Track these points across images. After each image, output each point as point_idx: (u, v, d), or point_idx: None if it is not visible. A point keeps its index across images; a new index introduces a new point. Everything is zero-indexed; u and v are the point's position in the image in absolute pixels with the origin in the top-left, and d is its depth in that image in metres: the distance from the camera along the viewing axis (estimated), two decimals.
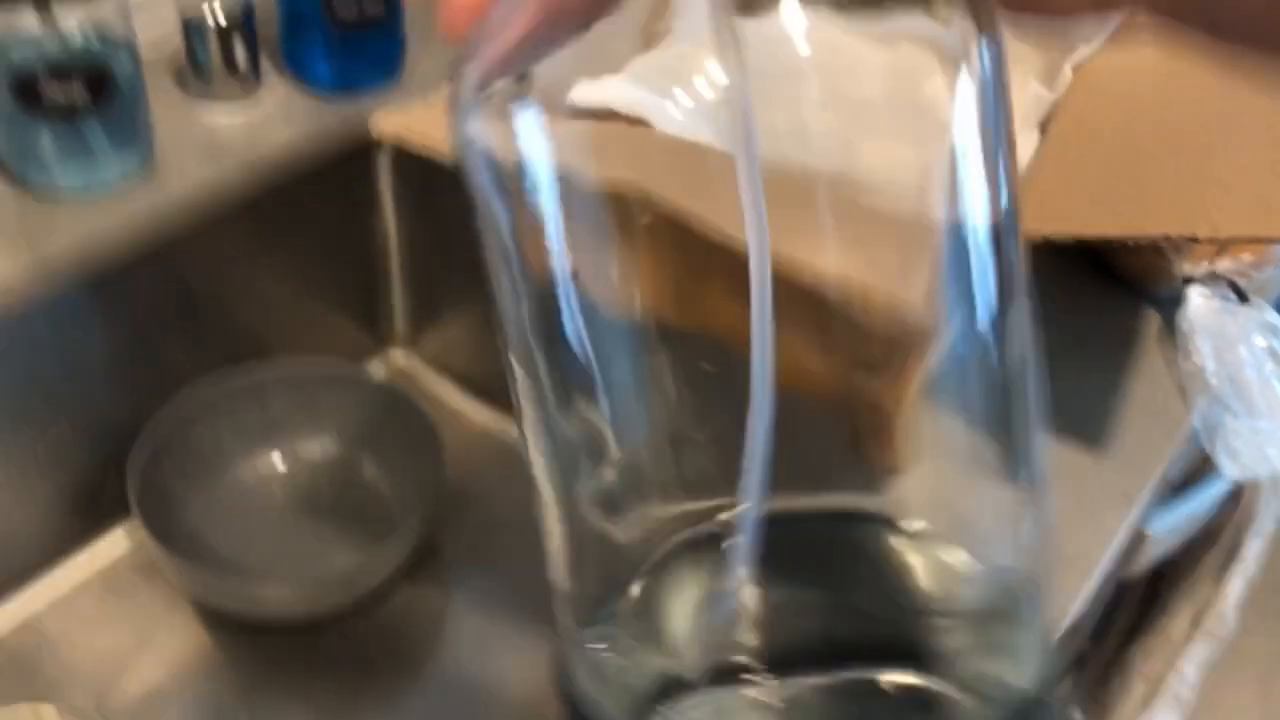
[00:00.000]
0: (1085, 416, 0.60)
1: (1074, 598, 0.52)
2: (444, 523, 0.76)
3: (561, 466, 0.28)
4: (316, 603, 0.67)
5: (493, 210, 0.26)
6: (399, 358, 0.88)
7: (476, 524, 0.77)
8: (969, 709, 0.25)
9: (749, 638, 0.27)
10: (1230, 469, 0.58)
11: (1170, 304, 0.68)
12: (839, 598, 0.27)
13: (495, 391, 0.84)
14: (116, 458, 0.69)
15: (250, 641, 0.68)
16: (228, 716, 0.65)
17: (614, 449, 0.27)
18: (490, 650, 0.70)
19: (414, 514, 0.69)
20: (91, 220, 0.64)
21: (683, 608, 0.28)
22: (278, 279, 0.77)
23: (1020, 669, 0.27)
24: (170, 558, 0.64)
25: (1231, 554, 0.71)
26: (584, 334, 0.26)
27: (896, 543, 0.28)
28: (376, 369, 0.87)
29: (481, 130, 0.24)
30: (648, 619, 0.28)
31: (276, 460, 0.76)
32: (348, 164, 0.76)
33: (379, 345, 0.87)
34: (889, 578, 0.28)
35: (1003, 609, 0.27)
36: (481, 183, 0.26)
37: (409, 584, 0.73)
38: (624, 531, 0.28)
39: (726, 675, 0.26)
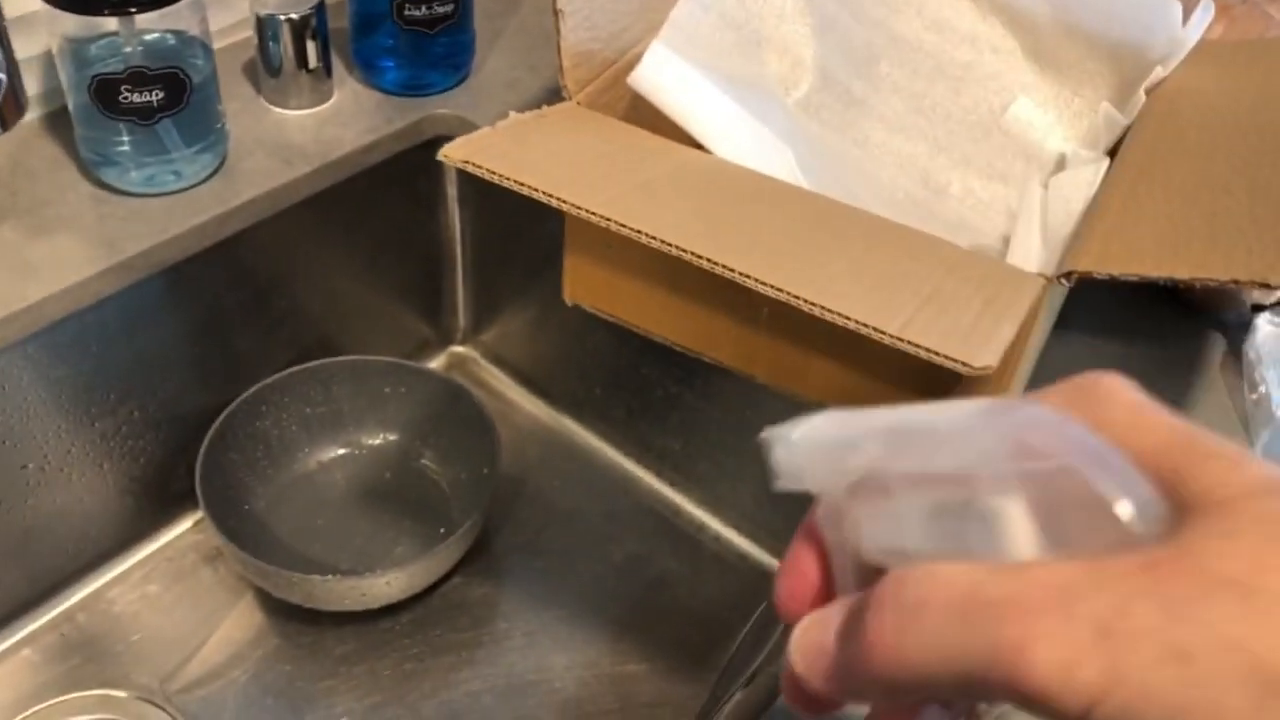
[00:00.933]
0: None
1: None
2: (496, 514, 0.78)
3: None
4: (376, 596, 0.69)
5: None
6: (459, 351, 0.89)
7: (528, 516, 0.79)
8: None
9: None
10: None
11: (1238, 331, 0.66)
12: None
13: (550, 386, 0.86)
14: (186, 448, 0.71)
15: (311, 629, 0.70)
16: (286, 700, 0.67)
17: None
18: (540, 648, 0.71)
19: (470, 511, 0.71)
20: (165, 217, 0.66)
21: None
22: (345, 274, 0.78)
23: None
24: (233, 548, 0.66)
25: None
26: None
27: None
28: (438, 362, 0.88)
29: None
30: None
31: (339, 451, 0.78)
32: (415, 162, 0.77)
33: (441, 339, 0.88)
34: None
35: None
36: None
37: (462, 576, 0.74)
38: None
39: None
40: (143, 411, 0.69)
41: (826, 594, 0.27)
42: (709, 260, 0.44)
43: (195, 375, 0.71)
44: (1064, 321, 0.61)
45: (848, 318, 0.42)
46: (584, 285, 0.62)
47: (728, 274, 0.43)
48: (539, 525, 0.79)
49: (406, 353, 0.83)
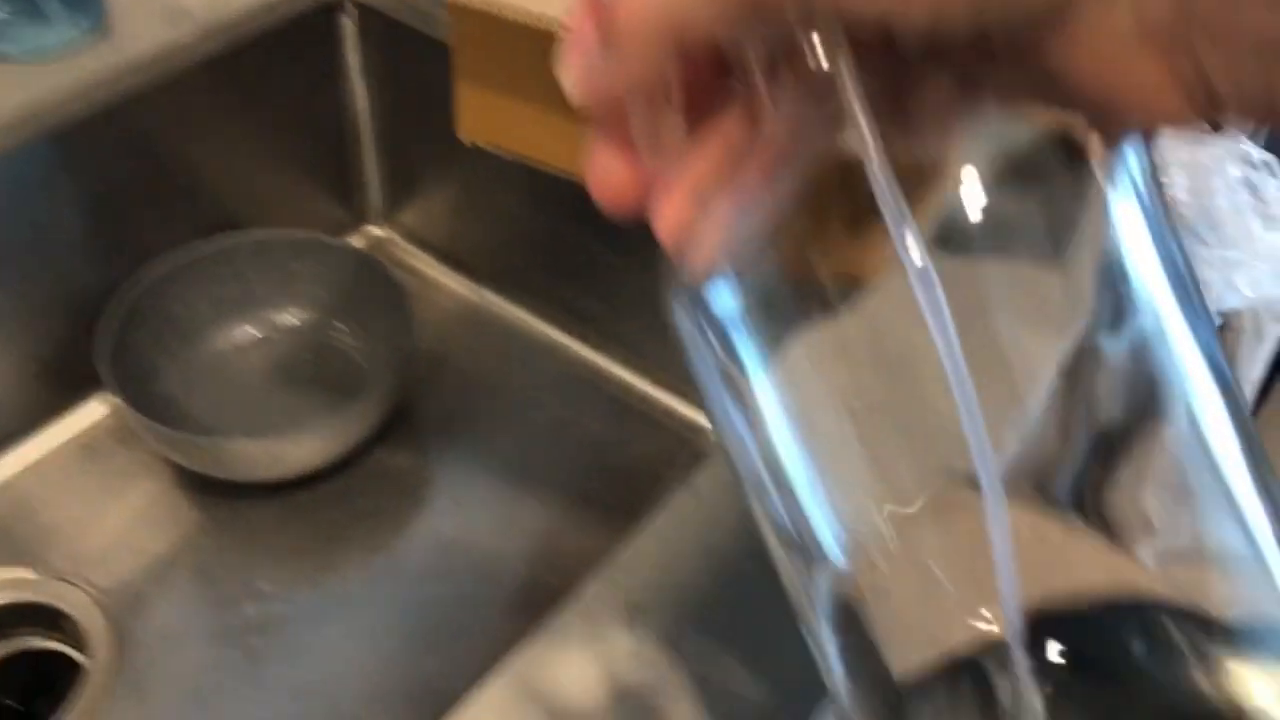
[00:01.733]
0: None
1: None
2: (419, 389, 0.76)
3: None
4: (292, 462, 0.68)
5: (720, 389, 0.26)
6: (375, 232, 0.87)
7: (451, 390, 0.77)
8: None
9: None
10: None
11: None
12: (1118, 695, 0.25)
13: (470, 261, 0.84)
14: (90, 328, 0.69)
15: (228, 503, 0.69)
16: (207, 575, 0.66)
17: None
18: (465, 510, 0.70)
19: (385, 375, 0.69)
20: (46, 81, 0.63)
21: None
22: (246, 149, 0.76)
23: None
24: (141, 418, 0.65)
25: None
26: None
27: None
28: (354, 243, 0.86)
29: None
30: None
31: (251, 328, 0.76)
32: (313, 29, 0.75)
33: (354, 219, 0.86)
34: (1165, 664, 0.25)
35: None
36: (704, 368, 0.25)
37: (384, 448, 0.73)
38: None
39: None
40: (40, 288, 0.67)
41: None
42: None
43: (94, 251, 0.69)
44: None
45: None
46: (479, 119, 0.60)
47: None
48: (462, 397, 0.77)
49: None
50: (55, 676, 0.65)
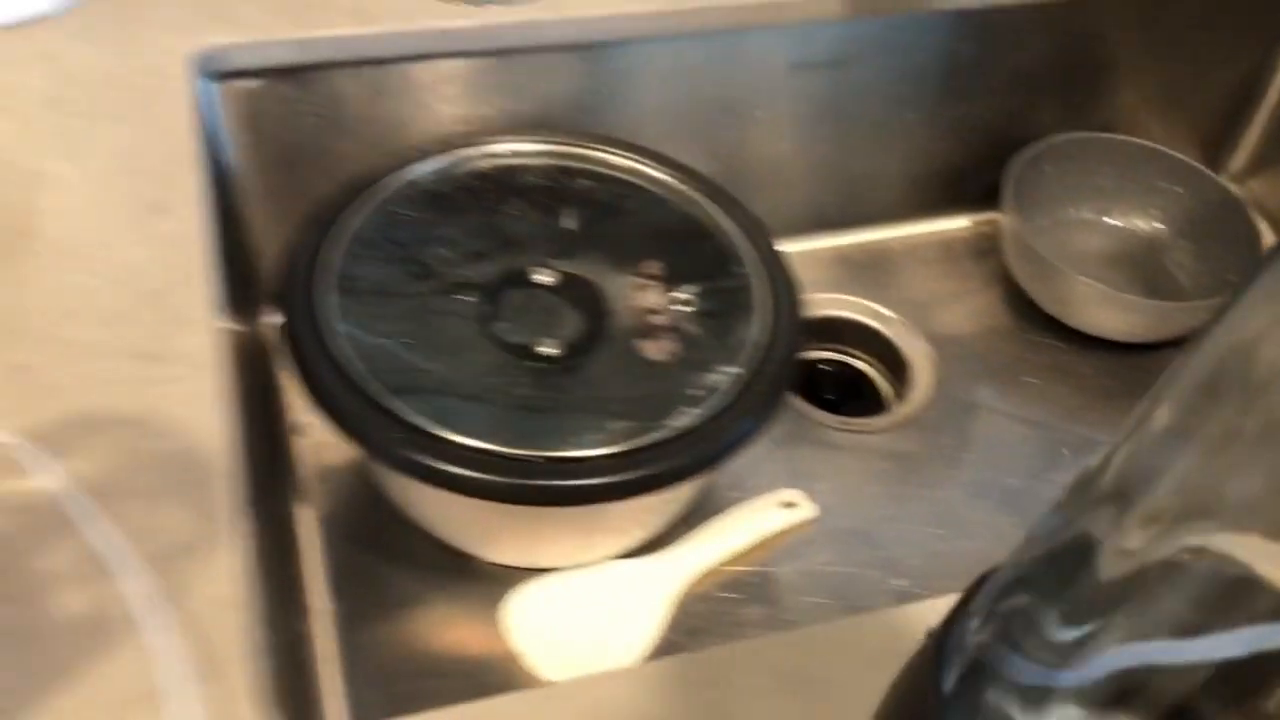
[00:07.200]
0: None
1: None
2: None
3: None
4: (1142, 331, 0.74)
5: None
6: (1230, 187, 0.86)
7: None
8: None
9: None
10: None
11: None
12: None
13: None
14: (999, 157, 0.80)
15: (1070, 348, 0.76)
16: (1028, 400, 0.74)
17: None
18: None
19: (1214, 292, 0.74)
20: None
21: None
22: (1152, 59, 0.81)
23: None
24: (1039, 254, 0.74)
25: None
26: None
27: None
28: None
29: None
30: None
31: (1095, 219, 0.83)
32: None
33: (1220, 153, 0.88)
34: None
35: None
36: None
37: None
38: None
39: None
40: (945, 119, 0.78)
41: None
42: None
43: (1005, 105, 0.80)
44: None
45: None
46: None
47: None
48: None
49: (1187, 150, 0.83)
50: (863, 396, 0.75)
